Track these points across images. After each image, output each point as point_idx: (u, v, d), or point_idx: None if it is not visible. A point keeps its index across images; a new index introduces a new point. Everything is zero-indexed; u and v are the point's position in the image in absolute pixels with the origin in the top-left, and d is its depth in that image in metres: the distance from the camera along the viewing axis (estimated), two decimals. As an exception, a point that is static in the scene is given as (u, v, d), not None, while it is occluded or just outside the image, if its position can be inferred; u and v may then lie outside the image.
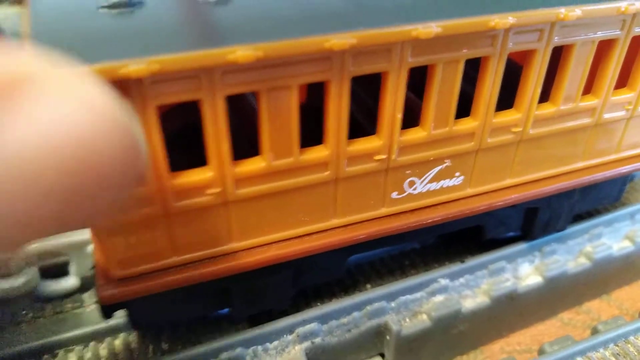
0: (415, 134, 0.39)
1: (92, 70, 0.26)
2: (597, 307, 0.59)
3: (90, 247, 0.44)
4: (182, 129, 0.40)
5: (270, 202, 0.37)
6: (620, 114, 0.47)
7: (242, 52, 0.29)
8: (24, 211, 0.17)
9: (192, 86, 0.30)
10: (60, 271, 0.45)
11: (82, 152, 0.18)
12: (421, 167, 0.41)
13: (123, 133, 0.19)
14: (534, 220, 0.50)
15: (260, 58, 0.29)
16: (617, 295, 0.62)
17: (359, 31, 0.31)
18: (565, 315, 0.58)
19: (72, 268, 0.45)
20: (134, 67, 0.27)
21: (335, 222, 0.40)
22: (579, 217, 0.57)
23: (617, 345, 0.49)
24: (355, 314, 0.46)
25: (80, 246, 0.44)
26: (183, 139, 0.37)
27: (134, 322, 0.39)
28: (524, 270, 0.53)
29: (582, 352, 0.48)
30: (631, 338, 0.50)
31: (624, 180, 0.54)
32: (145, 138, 0.30)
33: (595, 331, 0.51)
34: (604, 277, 0.58)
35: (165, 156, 0.32)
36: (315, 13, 0.32)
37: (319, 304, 0.47)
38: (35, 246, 0.43)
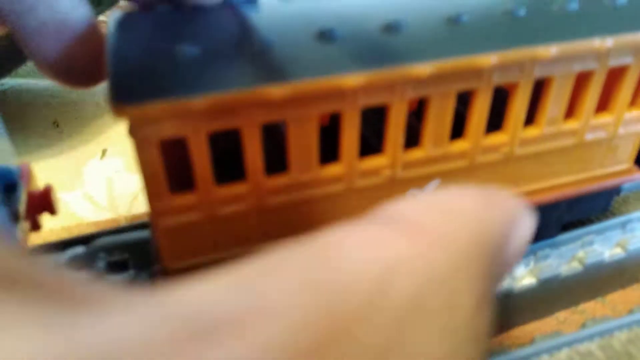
0: (416, 154, 0.47)
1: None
2: (592, 308, 0.65)
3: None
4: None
5: (296, 210, 0.45)
6: (602, 134, 0.54)
7: (275, 91, 0.37)
8: None
9: (235, 118, 0.38)
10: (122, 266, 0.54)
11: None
12: (421, 181, 0.48)
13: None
14: (525, 228, 0.57)
15: (289, 95, 0.38)
16: (611, 297, 0.67)
17: (367, 72, 0.39)
18: (561, 315, 0.64)
19: (131, 263, 0.54)
20: (195, 103, 0.36)
21: (350, 227, 0.48)
22: (572, 226, 0.64)
23: (603, 339, 0.55)
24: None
25: (138, 244, 0.52)
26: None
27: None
28: (519, 272, 0.59)
29: (569, 344, 0.54)
30: (616, 333, 0.56)
31: (610, 193, 0.61)
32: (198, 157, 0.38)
33: (583, 326, 0.57)
34: (597, 280, 0.64)
35: (211, 172, 0.40)
36: (330, 57, 0.40)
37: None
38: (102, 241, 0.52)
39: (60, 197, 0.65)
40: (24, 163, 0.55)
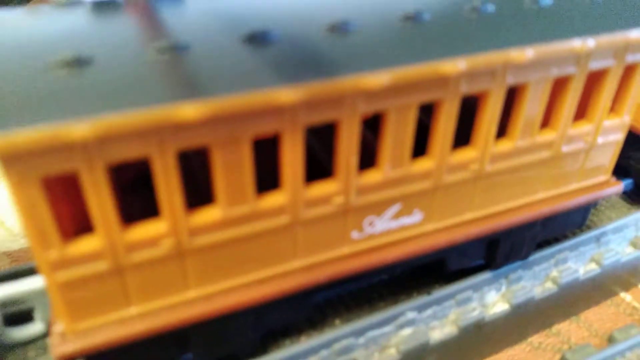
0: (372, 176, 0.39)
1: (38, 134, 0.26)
2: (567, 329, 0.60)
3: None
4: (136, 178, 0.40)
5: (228, 250, 0.37)
6: (580, 145, 0.48)
7: (189, 110, 0.29)
8: None
9: (142, 144, 0.30)
10: (25, 318, 0.45)
11: None
12: (379, 206, 0.41)
13: None
14: (495, 251, 0.51)
15: (208, 115, 0.30)
16: (586, 316, 0.62)
17: (308, 84, 0.32)
18: (535, 339, 0.58)
19: (38, 314, 0.45)
20: (79, 130, 0.27)
21: (297, 264, 0.41)
22: (545, 242, 0.58)
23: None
24: (324, 353, 0.46)
25: (45, 293, 0.43)
26: (138, 187, 0.38)
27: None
28: (491, 298, 0.53)
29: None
30: (597, 365, 0.51)
31: (587, 207, 0.55)
32: (95, 196, 0.30)
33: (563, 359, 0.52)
34: (572, 299, 0.59)
35: (116, 211, 0.32)
36: (262, 65, 0.33)
37: (287, 342, 0.48)
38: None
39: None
40: None
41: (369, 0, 0.40)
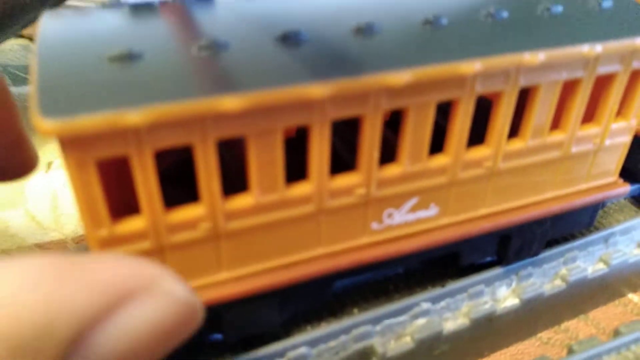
0: (392, 170, 0.42)
1: (97, 120, 0.29)
2: (575, 327, 0.62)
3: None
4: (176, 164, 0.43)
5: (258, 234, 0.40)
6: (588, 146, 0.51)
7: (229, 102, 0.32)
8: None
9: (186, 132, 0.33)
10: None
11: (170, 336, 0.27)
12: (398, 199, 0.44)
13: (194, 314, 0.28)
14: (507, 246, 0.53)
15: (246, 107, 0.33)
16: (594, 314, 0.64)
17: (336, 81, 0.35)
18: (544, 335, 0.60)
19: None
20: (132, 117, 0.30)
21: (320, 251, 0.43)
22: (554, 242, 0.60)
23: (590, 365, 0.52)
24: (343, 338, 0.49)
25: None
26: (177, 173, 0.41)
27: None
28: (502, 293, 0.56)
29: (555, 372, 0.51)
30: (604, 358, 0.53)
31: (595, 207, 0.57)
32: (142, 179, 0.33)
33: (570, 351, 0.54)
34: (580, 298, 0.61)
35: (160, 194, 0.35)
36: (294, 63, 0.36)
37: (309, 327, 0.50)
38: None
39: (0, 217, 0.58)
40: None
41: (391, 6, 0.43)
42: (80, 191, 0.33)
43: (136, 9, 0.42)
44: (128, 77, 0.33)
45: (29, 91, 0.31)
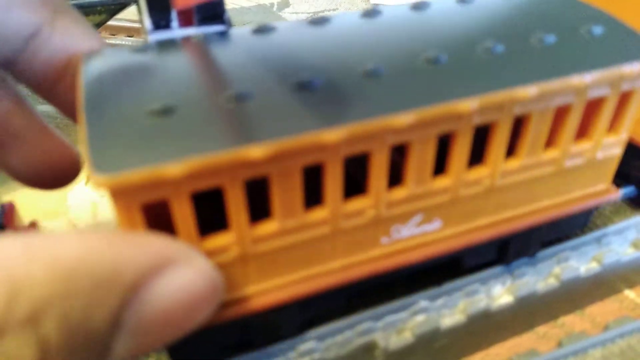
0: (399, 193, 0.47)
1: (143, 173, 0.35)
2: (571, 321, 0.67)
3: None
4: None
5: (281, 254, 0.45)
6: (581, 160, 0.55)
7: (256, 151, 0.37)
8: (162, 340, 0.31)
9: (219, 177, 0.38)
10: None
11: (199, 307, 0.32)
12: (405, 217, 0.49)
13: (218, 290, 0.32)
14: (506, 250, 0.59)
15: (270, 154, 0.38)
16: (590, 310, 0.69)
17: (347, 126, 0.40)
18: (541, 329, 0.66)
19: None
20: (172, 170, 0.36)
21: (336, 265, 0.49)
22: (548, 243, 0.65)
23: (577, 357, 0.58)
24: (348, 333, 0.55)
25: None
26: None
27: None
28: (497, 291, 0.61)
29: (546, 363, 0.56)
30: (590, 351, 0.58)
31: (589, 211, 0.62)
32: (181, 217, 0.38)
33: (559, 344, 0.59)
34: (575, 294, 0.65)
35: (196, 227, 0.40)
36: (310, 110, 0.40)
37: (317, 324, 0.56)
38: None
39: (44, 227, 0.64)
40: (7, 203, 0.55)
41: (393, 45, 0.47)
42: (127, 230, 0.38)
43: (163, 47, 0.46)
44: (166, 130, 0.38)
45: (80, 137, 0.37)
